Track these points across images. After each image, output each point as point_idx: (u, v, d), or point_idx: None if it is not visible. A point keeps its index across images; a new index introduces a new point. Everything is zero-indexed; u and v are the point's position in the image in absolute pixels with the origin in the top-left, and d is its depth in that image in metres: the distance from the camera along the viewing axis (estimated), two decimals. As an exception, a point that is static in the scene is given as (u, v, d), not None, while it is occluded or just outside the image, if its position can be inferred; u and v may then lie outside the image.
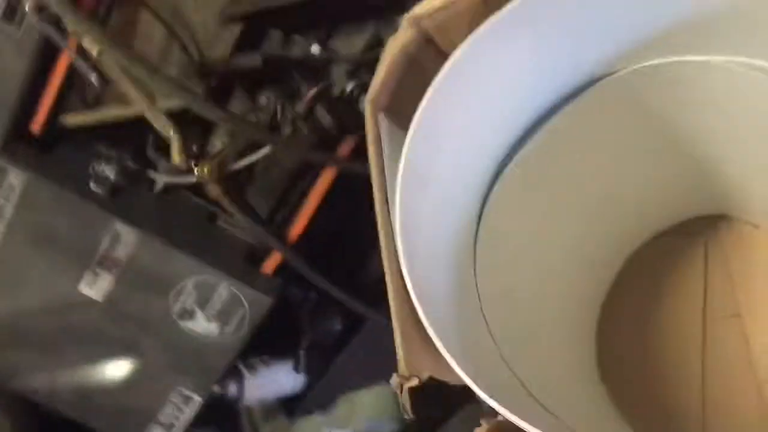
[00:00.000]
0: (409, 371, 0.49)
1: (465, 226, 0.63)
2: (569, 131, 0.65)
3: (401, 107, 0.54)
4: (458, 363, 0.49)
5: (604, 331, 0.89)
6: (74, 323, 0.93)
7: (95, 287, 0.90)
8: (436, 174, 0.55)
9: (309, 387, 1.12)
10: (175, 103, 0.80)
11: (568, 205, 0.76)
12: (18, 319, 0.93)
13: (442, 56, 0.52)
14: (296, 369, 1.08)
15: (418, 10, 0.53)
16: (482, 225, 0.65)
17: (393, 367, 1.26)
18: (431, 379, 0.51)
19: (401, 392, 0.50)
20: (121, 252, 0.87)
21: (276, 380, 1.09)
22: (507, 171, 0.64)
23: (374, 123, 0.54)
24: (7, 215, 0.85)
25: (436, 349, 0.50)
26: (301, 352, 1.07)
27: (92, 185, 0.85)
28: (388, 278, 0.51)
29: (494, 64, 0.53)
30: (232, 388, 1.06)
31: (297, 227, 0.88)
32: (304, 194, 0.87)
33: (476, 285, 0.64)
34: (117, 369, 0.96)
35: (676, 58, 0.60)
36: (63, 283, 0.90)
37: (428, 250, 0.56)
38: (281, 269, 0.93)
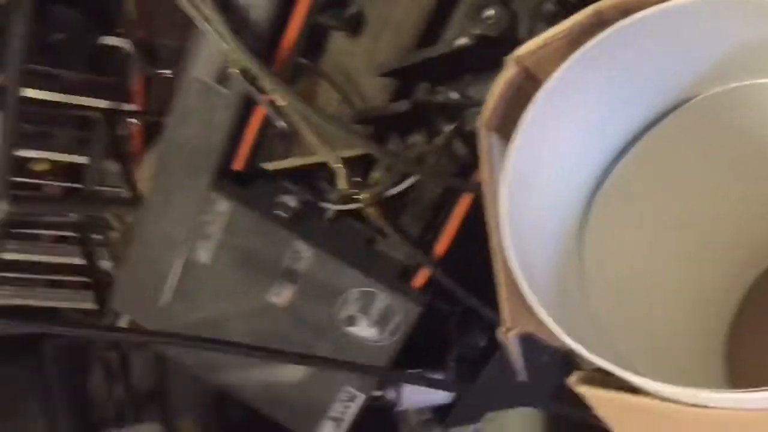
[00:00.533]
0: (511, 325, 0.63)
1: (570, 226, 0.75)
2: (662, 149, 0.76)
3: (508, 127, 0.69)
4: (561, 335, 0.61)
5: (733, 347, 0.95)
6: (263, 327, 1.13)
7: (280, 296, 1.10)
8: (538, 178, 0.69)
9: (459, 397, 1.25)
10: (346, 146, 1.00)
11: (678, 221, 0.85)
12: (219, 322, 1.15)
13: (540, 85, 0.67)
14: (447, 379, 1.22)
15: (519, 51, 0.68)
16: (587, 229, 0.77)
17: (538, 389, 1.39)
18: (529, 334, 0.64)
19: (507, 341, 0.63)
20: (300, 266, 1.07)
21: (429, 389, 1.24)
22: (608, 180, 0.77)
23: (486, 140, 0.69)
24: (216, 237, 1.08)
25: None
26: (451, 364, 1.21)
27: (279, 212, 1.06)
28: (495, 261, 0.65)
29: (582, 89, 0.67)
30: (390, 393, 1.22)
31: (441, 245, 1.04)
32: (446, 216, 1.03)
33: (583, 286, 0.75)
34: (296, 368, 1.15)
35: (747, 82, 0.70)
36: (255, 293, 1.11)
37: (533, 243, 0.70)
38: (429, 284, 1.09)
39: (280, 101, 0.95)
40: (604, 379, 0.63)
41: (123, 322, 1.74)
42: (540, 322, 0.63)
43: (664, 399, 0.58)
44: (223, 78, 0.97)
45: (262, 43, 0.93)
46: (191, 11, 0.92)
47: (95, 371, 1.58)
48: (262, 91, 0.95)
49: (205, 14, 0.91)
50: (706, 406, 0.56)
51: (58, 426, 1.41)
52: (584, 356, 0.61)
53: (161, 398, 1.49)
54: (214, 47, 0.94)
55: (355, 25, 1.07)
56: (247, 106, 1.00)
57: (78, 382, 1.37)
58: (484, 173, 0.69)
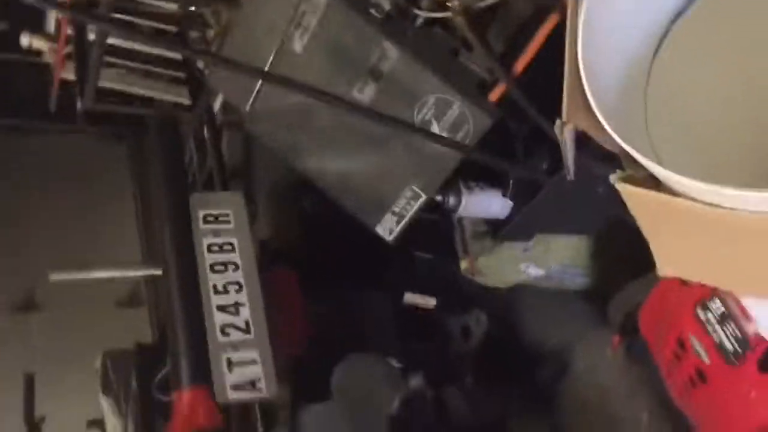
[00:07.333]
0: (568, 120, 0.70)
1: (644, 48, 0.80)
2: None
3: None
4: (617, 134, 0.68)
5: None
6: (346, 119, 1.22)
7: (363, 94, 1.19)
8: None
9: (513, 214, 1.35)
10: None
11: (749, 59, 0.87)
12: (306, 110, 1.25)
13: None
14: (504, 194, 1.31)
15: None
16: (660, 53, 0.81)
17: (588, 220, 1.47)
18: (585, 135, 0.71)
19: (562, 134, 0.71)
20: (385, 66, 1.15)
21: (487, 201, 1.33)
22: (688, 11, 0.80)
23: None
24: (311, 28, 1.16)
25: (593, 115, 0.69)
26: (511, 181, 1.30)
27: (372, 11, 1.12)
28: (567, 58, 0.71)
29: None
30: (451, 200, 1.32)
31: (521, 62, 1.09)
32: (531, 35, 1.07)
33: (645, 98, 0.81)
34: (370, 160, 1.26)
35: None
36: (341, 87, 1.19)
37: (606, 53, 0.75)
38: (503, 101, 1.15)
39: None
40: (641, 181, 0.70)
41: (217, 102, 1.87)
42: (594, 122, 0.70)
43: (692, 199, 0.65)
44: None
45: None
46: None
47: (189, 145, 1.74)
48: None
49: None
50: (729, 208, 0.63)
51: (153, 187, 1.58)
52: (624, 150, 0.68)
53: (245, 175, 1.64)
54: None
55: None
56: None
57: (174, 152, 1.50)
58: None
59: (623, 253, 1.48)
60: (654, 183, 0.70)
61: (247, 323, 1.15)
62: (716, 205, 0.63)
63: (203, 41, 3.12)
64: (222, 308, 1.16)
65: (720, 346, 1.24)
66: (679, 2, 0.79)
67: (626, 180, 0.70)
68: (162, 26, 3.44)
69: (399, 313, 1.68)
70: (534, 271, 1.56)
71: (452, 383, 1.67)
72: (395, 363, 1.50)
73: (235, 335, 1.14)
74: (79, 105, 2.58)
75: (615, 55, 0.75)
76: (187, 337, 1.12)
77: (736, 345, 1.21)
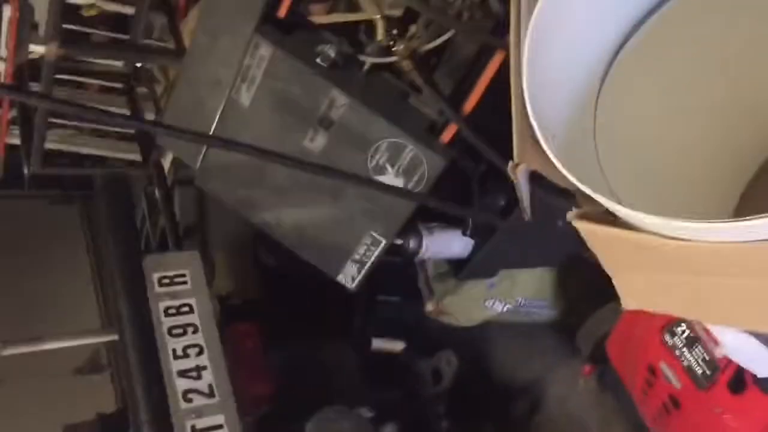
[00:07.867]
0: (520, 161, 0.69)
1: (588, 82, 0.80)
2: (686, 16, 0.79)
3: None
4: (565, 169, 0.67)
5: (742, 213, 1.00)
6: (298, 171, 1.21)
7: (315, 143, 1.17)
8: (562, 30, 0.73)
9: (474, 252, 1.34)
10: (390, 6, 1.03)
11: (694, 92, 0.89)
12: (258, 164, 1.23)
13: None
14: (464, 233, 1.30)
15: None
16: (605, 87, 0.81)
17: (551, 253, 1.46)
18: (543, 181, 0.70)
19: (515, 176, 0.70)
20: (335, 114, 1.14)
21: (448, 242, 1.32)
22: (629, 44, 0.80)
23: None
24: (257, 80, 1.15)
25: (545, 153, 0.69)
26: (470, 220, 1.29)
27: (318, 60, 1.12)
28: (513, 98, 0.71)
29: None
30: (412, 243, 1.30)
31: (470, 102, 1.09)
32: (478, 74, 1.07)
33: (594, 133, 0.81)
34: (326, 211, 1.24)
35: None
36: (291, 138, 1.18)
37: (551, 91, 0.75)
38: (455, 141, 1.15)
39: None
40: (598, 217, 0.70)
41: (167, 161, 1.84)
42: (546, 161, 0.69)
43: (648, 233, 0.65)
44: None
45: None
46: None
47: (141, 204, 1.71)
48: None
49: None
50: (684, 239, 0.62)
51: (105, 251, 1.54)
52: (579, 188, 0.67)
53: (200, 231, 1.61)
54: None
55: None
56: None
57: (125, 214, 1.47)
58: (513, 13, 0.73)
59: (588, 282, 1.48)
60: (611, 217, 0.69)
61: (210, 387, 1.11)
62: (674, 238, 0.62)
63: (152, 96, 3.09)
64: (183, 373, 1.12)
65: (689, 371, 1.24)
66: (623, 33, 0.80)
67: (583, 217, 0.70)
68: (109, 84, 3.41)
69: (367, 360, 1.65)
70: (500, 307, 1.55)
71: (427, 427, 1.64)
72: (367, 412, 1.47)
73: (199, 400, 1.10)
74: (26, 170, 2.53)
75: (561, 91, 0.75)
76: (148, 406, 1.08)
77: (706, 368, 1.22)
